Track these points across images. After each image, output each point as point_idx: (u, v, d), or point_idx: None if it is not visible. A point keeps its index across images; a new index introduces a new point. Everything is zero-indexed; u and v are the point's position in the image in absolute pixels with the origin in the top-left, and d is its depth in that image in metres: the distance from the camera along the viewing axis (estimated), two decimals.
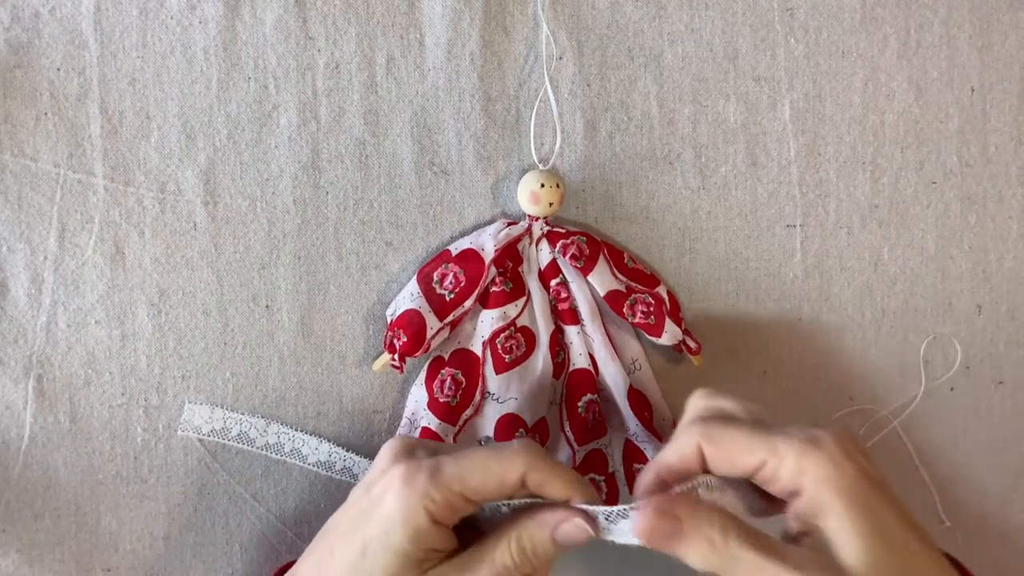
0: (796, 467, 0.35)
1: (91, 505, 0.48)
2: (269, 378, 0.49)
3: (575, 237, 0.49)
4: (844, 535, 0.34)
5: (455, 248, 0.49)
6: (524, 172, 0.49)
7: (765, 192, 0.52)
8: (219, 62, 0.47)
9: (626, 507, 0.36)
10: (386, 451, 0.38)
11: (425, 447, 0.38)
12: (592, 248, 0.49)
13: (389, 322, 0.49)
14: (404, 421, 0.50)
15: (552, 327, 0.49)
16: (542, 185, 0.47)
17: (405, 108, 0.49)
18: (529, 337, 0.49)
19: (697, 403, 0.41)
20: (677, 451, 0.38)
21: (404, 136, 0.49)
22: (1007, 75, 0.53)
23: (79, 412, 0.48)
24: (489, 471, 0.36)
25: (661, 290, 0.51)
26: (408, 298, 0.48)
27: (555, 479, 0.37)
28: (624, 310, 0.49)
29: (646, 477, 0.39)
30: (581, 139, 0.50)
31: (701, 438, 0.37)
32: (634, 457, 0.51)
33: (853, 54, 0.52)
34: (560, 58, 0.49)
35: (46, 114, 0.46)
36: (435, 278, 0.48)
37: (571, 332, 0.50)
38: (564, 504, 0.37)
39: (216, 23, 0.47)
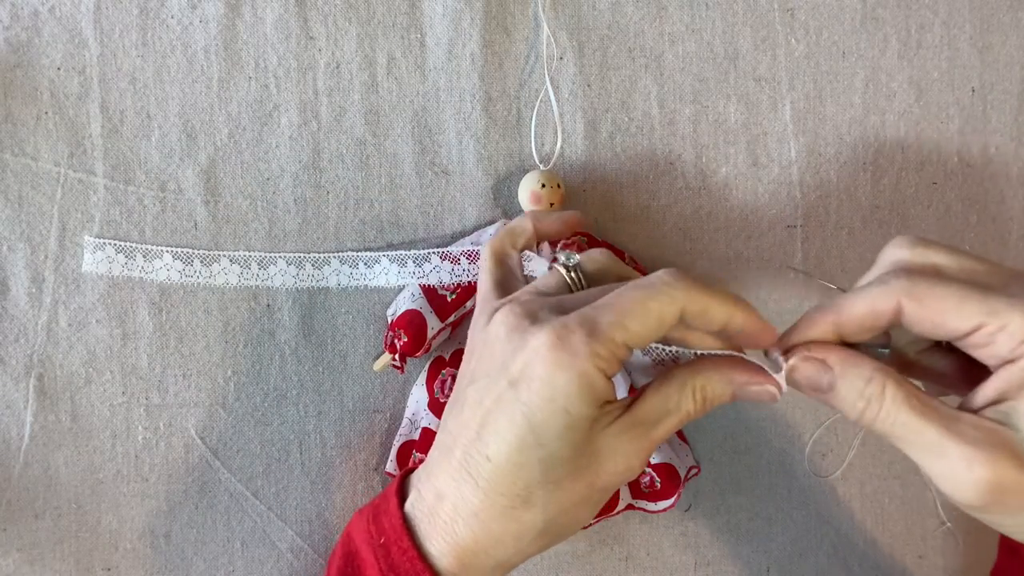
0: (1022, 334, 0.30)
1: (92, 504, 0.48)
2: (270, 377, 0.50)
3: (576, 237, 0.48)
4: None
5: (456, 248, 0.49)
6: (525, 172, 0.49)
7: (766, 192, 0.52)
8: (220, 61, 0.47)
9: (778, 355, 0.34)
10: (500, 328, 0.34)
11: (548, 306, 0.34)
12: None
13: (390, 322, 0.49)
14: (405, 421, 0.50)
15: None
16: (543, 185, 0.47)
17: (406, 108, 0.49)
18: None
19: (897, 253, 0.35)
20: (869, 303, 0.33)
21: (405, 136, 0.49)
22: (1008, 75, 0.53)
23: (80, 411, 0.48)
24: (649, 312, 0.32)
25: None
26: (409, 298, 0.48)
27: (715, 304, 0.33)
28: None
29: (818, 324, 0.34)
30: (582, 139, 0.50)
31: (904, 294, 0.32)
32: None
33: (854, 54, 0.52)
34: (561, 58, 0.49)
35: (47, 113, 0.46)
36: None
37: None
38: (732, 356, 0.35)
39: (217, 22, 0.47)
